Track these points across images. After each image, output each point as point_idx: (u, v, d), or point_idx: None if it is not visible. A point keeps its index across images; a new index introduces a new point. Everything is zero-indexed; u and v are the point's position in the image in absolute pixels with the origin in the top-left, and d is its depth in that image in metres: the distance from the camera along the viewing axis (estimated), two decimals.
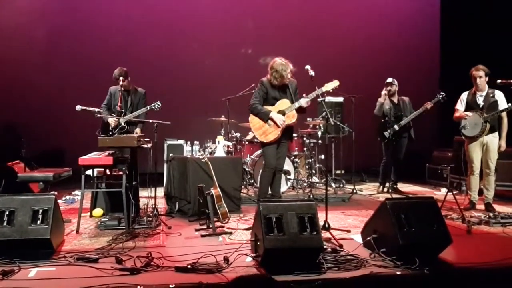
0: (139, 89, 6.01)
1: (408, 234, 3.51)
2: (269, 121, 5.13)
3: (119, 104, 5.60)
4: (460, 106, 5.85)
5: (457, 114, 5.83)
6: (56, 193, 4.02)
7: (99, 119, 5.75)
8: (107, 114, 5.83)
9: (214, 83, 9.10)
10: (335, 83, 5.02)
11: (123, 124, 5.76)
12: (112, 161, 4.58)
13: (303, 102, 5.07)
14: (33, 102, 8.72)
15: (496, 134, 5.65)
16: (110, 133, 5.62)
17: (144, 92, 6.01)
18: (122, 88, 5.63)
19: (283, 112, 5.12)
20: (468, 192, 5.87)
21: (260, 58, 9.76)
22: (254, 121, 5.25)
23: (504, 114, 5.61)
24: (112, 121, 5.68)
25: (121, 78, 5.75)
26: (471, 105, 5.74)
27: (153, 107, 5.80)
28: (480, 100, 5.68)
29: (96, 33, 9.09)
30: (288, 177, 6.79)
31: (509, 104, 5.42)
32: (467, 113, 5.67)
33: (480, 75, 5.59)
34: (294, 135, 6.19)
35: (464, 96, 5.86)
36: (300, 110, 5.20)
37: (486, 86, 5.66)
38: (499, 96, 5.61)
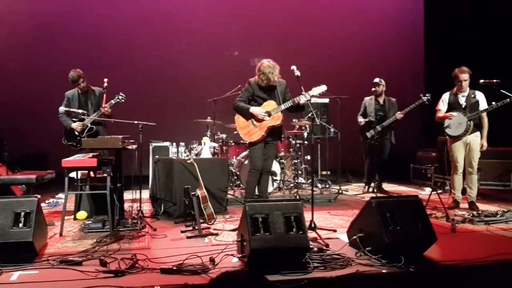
0: (95, 89, 5.96)
1: (394, 233, 3.53)
2: (254, 121, 5.14)
3: (104, 105, 5.58)
4: (442, 106, 5.92)
5: (440, 115, 5.90)
6: (39, 195, 3.94)
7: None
8: (68, 120, 5.80)
9: (200, 84, 9.07)
10: (322, 88, 4.98)
11: (89, 125, 5.72)
12: (96, 163, 4.54)
13: (303, 99, 4.96)
14: (16, 104, 8.58)
15: (478, 133, 5.73)
16: (78, 138, 5.58)
17: (101, 90, 5.95)
18: (79, 91, 5.64)
19: (269, 113, 5.11)
20: (452, 191, 5.94)
21: (245, 59, 9.80)
22: (239, 120, 5.27)
23: (484, 115, 5.71)
24: (76, 126, 5.64)
25: (80, 80, 5.72)
26: (453, 106, 5.82)
27: (118, 100, 5.76)
28: (462, 101, 5.77)
29: (80, 36, 8.97)
30: (274, 178, 6.79)
31: (493, 103, 5.50)
32: (452, 113, 5.74)
33: (466, 78, 5.67)
34: None
35: (445, 96, 5.93)
36: (297, 108, 5.17)
37: (468, 87, 5.75)
38: (480, 97, 5.71)
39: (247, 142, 5.37)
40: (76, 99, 5.74)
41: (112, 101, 5.74)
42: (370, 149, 7.14)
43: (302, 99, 4.98)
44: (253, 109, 5.11)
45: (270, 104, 5.16)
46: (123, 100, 5.76)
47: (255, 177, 5.29)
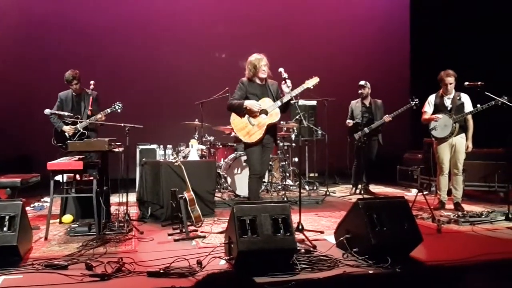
0: (90, 92, 5.90)
1: (380, 234, 3.56)
2: (252, 120, 4.88)
3: (90, 108, 5.54)
4: (428, 108, 5.99)
5: (425, 117, 5.97)
6: (23, 199, 3.89)
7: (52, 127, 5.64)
8: (59, 122, 5.73)
9: (188, 86, 9.04)
10: (315, 80, 4.86)
11: (81, 130, 5.67)
12: (82, 165, 4.50)
13: (287, 97, 4.80)
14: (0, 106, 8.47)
15: (464, 135, 5.80)
16: (68, 141, 5.52)
17: (96, 94, 5.91)
18: (73, 93, 5.58)
19: (265, 111, 4.90)
20: (438, 192, 6.01)
21: (234, 61, 9.69)
22: (236, 121, 4.95)
23: (469, 117, 5.79)
24: (68, 129, 5.58)
25: (74, 82, 5.67)
26: (439, 108, 5.89)
27: (114, 109, 5.71)
28: (448, 103, 5.84)
29: (66, 36, 8.88)
30: (262, 180, 6.79)
31: (478, 106, 5.58)
32: (438, 115, 5.81)
33: (451, 81, 5.75)
34: None
35: (431, 98, 6.01)
36: (285, 107, 4.98)
37: (453, 89, 5.83)
38: (465, 99, 5.79)
39: (242, 145, 5.20)
40: (69, 101, 5.68)
41: (108, 110, 5.69)
42: (357, 151, 7.19)
43: (288, 97, 4.81)
44: (248, 102, 4.82)
45: (266, 101, 4.91)
46: (119, 110, 5.71)
47: (256, 182, 5.00)
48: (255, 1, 9.90)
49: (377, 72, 9.17)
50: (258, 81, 4.96)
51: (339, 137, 7.75)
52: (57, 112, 5.59)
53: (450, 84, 5.76)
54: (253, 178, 4.97)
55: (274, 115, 4.90)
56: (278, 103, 4.85)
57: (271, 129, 4.99)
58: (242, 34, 9.51)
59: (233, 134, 6.59)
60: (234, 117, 4.96)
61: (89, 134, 5.76)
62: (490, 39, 8.19)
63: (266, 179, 6.88)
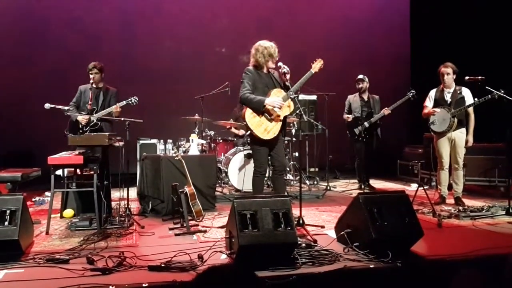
0: (110, 88, 5.91)
1: (381, 228, 3.55)
2: (268, 116, 4.58)
3: (90, 102, 5.50)
4: (429, 103, 5.99)
5: (425, 111, 5.98)
6: (24, 193, 3.88)
7: (68, 118, 5.61)
8: (75, 112, 5.71)
9: (188, 81, 9.04)
10: (320, 62, 4.73)
11: (95, 121, 5.66)
12: (82, 160, 4.49)
13: (298, 85, 4.62)
14: (0, 100, 8.45)
15: (464, 129, 5.80)
16: (81, 131, 5.51)
17: (116, 91, 5.92)
18: (93, 85, 5.55)
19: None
20: (438, 186, 6.01)
21: (233, 56, 9.75)
22: (252, 121, 4.58)
23: (471, 110, 5.77)
24: (81, 118, 5.56)
25: (95, 70, 5.66)
26: (439, 102, 5.89)
27: (130, 102, 5.72)
28: (447, 97, 5.83)
29: (66, 30, 8.87)
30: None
31: (475, 99, 5.57)
32: (435, 109, 5.82)
33: (448, 71, 5.75)
34: None
35: (432, 93, 6.00)
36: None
37: (453, 83, 5.83)
38: (466, 93, 5.77)
39: (252, 140, 4.86)
40: (88, 94, 5.66)
41: (124, 102, 5.69)
42: (359, 146, 7.18)
43: (308, 76, 4.65)
44: (269, 101, 4.51)
45: (278, 92, 4.63)
46: (134, 104, 5.72)
47: (261, 179, 4.79)
48: None
49: (377, 67, 9.15)
50: (265, 69, 4.73)
51: (340, 132, 7.74)
52: (57, 107, 5.58)
53: (447, 74, 5.75)
54: (258, 176, 4.77)
55: (289, 106, 4.66)
56: (291, 93, 4.56)
57: (283, 122, 4.73)
58: (243, 28, 9.49)
59: (244, 132, 6.42)
60: (249, 115, 4.60)
61: (102, 125, 5.75)
62: (495, 34, 8.16)
63: (266, 174, 6.87)
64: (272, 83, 4.71)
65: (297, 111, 4.64)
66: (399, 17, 10.60)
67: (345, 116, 7.26)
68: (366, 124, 6.99)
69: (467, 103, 5.71)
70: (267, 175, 6.79)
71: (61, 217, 5.16)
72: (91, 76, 5.69)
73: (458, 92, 5.79)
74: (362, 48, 10.06)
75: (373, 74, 7.46)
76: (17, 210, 3.64)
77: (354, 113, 7.16)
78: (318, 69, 4.73)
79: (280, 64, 4.68)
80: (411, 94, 6.83)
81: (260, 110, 4.56)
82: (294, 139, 7.67)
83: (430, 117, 5.88)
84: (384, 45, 10.26)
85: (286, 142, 7.56)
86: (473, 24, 8.44)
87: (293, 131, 7.47)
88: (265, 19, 9.60)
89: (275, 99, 4.54)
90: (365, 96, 7.19)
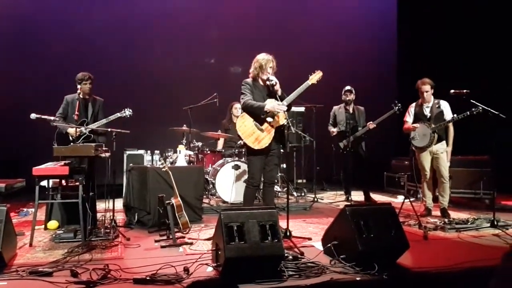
0: (97, 98, 5.87)
1: (367, 240, 3.57)
2: (259, 125, 4.65)
3: (76, 113, 5.43)
4: (409, 118, 6.11)
5: (405, 126, 6.10)
6: (8, 204, 3.83)
7: (54, 129, 5.54)
8: (63, 123, 5.64)
9: (176, 92, 9.03)
10: (318, 74, 4.83)
11: (87, 133, 5.61)
12: (68, 171, 4.45)
13: (293, 96, 4.66)
14: None
15: (444, 142, 5.90)
16: (72, 144, 5.44)
17: (102, 101, 5.88)
18: (81, 96, 5.50)
19: (272, 114, 4.66)
20: (423, 198, 6.06)
21: (222, 67, 9.81)
22: (242, 128, 4.66)
23: (450, 124, 5.85)
24: (73, 131, 5.49)
25: (90, 81, 5.61)
26: (418, 117, 5.98)
27: (124, 114, 5.69)
28: (427, 111, 5.92)
29: (53, 38, 8.80)
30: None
31: (455, 115, 5.65)
32: (415, 125, 5.91)
33: (427, 89, 5.85)
34: None
35: (411, 108, 6.12)
36: (289, 107, 4.75)
37: (432, 97, 5.91)
38: (445, 106, 5.88)
39: (247, 151, 4.87)
40: (75, 104, 5.57)
41: (118, 114, 5.67)
42: (345, 159, 7.19)
43: (305, 85, 4.73)
44: (270, 106, 4.54)
45: (271, 103, 4.65)
46: (128, 116, 5.74)
47: (253, 191, 4.82)
48: (245, 7, 9.92)
49: (364, 80, 9.23)
50: (261, 81, 4.79)
51: (327, 144, 7.78)
52: (43, 117, 5.51)
53: (426, 92, 5.85)
54: (250, 187, 4.78)
55: (281, 116, 4.67)
56: (285, 103, 4.60)
57: (279, 133, 4.75)
58: (232, 39, 9.53)
59: (240, 142, 6.40)
60: (240, 124, 4.69)
61: (94, 138, 5.69)
62: (482, 46, 8.31)
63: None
64: (269, 93, 4.76)
65: (286, 123, 4.64)
66: (386, 30, 10.74)
67: (330, 129, 7.30)
68: (351, 138, 7.01)
69: (445, 116, 5.80)
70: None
71: (45, 228, 5.09)
72: (81, 86, 5.61)
73: (437, 106, 5.88)
74: (349, 60, 10.14)
75: (359, 87, 7.51)
76: (0, 221, 3.58)
77: (339, 126, 7.20)
78: (316, 80, 4.80)
79: (268, 76, 4.67)
80: (397, 108, 6.90)
81: (261, 114, 4.61)
82: (281, 150, 7.66)
83: (411, 132, 5.95)
84: (371, 58, 10.35)
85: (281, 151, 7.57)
86: (461, 34, 8.59)
87: None
88: (255, 30, 9.65)
89: (275, 103, 4.58)
90: (350, 108, 7.25)
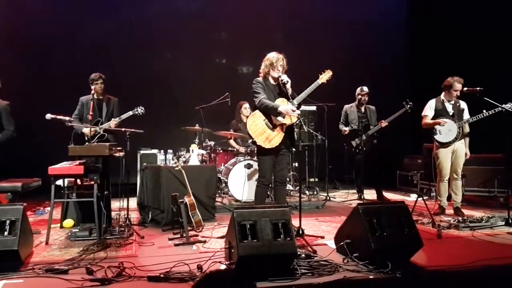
0: (112, 98, 5.95)
1: (380, 238, 3.56)
2: (269, 124, 4.66)
3: (90, 113, 5.49)
4: (430, 112, 5.96)
5: (427, 121, 5.96)
6: (25, 203, 3.89)
7: (70, 128, 5.62)
8: (79, 123, 5.73)
9: (188, 92, 9.09)
10: (328, 73, 4.81)
11: (101, 132, 5.68)
12: (83, 170, 4.50)
13: (303, 95, 4.64)
14: None
15: (463, 141, 5.83)
16: (87, 143, 5.51)
17: (117, 100, 5.96)
18: (95, 96, 5.56)
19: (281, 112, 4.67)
20: (438, 197, 6.01)
21: (233, 67, 9.84)
22: (253, 127, 4.66)
23: (467, 124, 5.80)
24: (87, 131, 5.57)
25: (100, 80, 5.69)
26: (440, 113, 5.89)
27: (136, 112, 5.76)
28: (450, 108, 5.86)
29: (68, 40, 8.91)
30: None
31: (484, 111, 5.56)
32: (444, 119, 5.80)
33: (460, 88, 5.73)
34: None
35: (432, 103, 6.00)
36: (299, 106, 4.73)
37: None
38: (465, 106, 5.84)
39: (257, 151, 4.85)
40: (90, 105, 5.66)
41: (130, 112, 5.75)
42: (358, 158, 7.16)
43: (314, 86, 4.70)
44: (282, 108, 4.52)
45: (282, 102, 4.66)
46: (141, 114, 5.82)
47: (263, 190, 4.82)
48: (255, 7, 9.92)
49: (377, 78, 9.18)
50: (272, 80, 4.79)
51: (339, 142, 7.75)
52: (58, 117, 5.59)
53: (458, 90, 5.75)
54: (261, 186, 4.78)
55: (292, 116, 4.64)
56: (295, 102, 4.60)
57: (289, 132, 4.78)
58: (242, 39, 9.55)
59: (250, 140, 6.45)
60: (251, 123, 4.69)
61: (108, 137, 5.78)
62: (492, 45, 8.22)
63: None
64: (280, 93, 4.77)
65: (297, 122, 4.67)
66: (398, 28, 10.68)
67: (342, 128, 7.26)
68: (363, 136, 6.98)
69: (465, 115, 5.76)
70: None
71: (61, 227, 5.16)
72: (94, 86, 5.68)
73: (458, 104, 5.83)
74: (361, 58, 10.09)
75: (372, 85, 7.48)
76: (17, 220, 3.64)
77: (352, 125, 7.18)
78: (325, 80, 4.78)
79: (279, 74, 4.67)
80: (408, 106, 6.84)
81: (274, 114, 4.62)
82: (293, 149, 7.66)
83: (434, 127, 5.87)
84: (383, 56, 10.29)
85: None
86: (474, 33, 8.49)
87: None
88: (266, 30, 9.65)
89: (289, 107, 4.54)
90: (362, 107, 7.22)
